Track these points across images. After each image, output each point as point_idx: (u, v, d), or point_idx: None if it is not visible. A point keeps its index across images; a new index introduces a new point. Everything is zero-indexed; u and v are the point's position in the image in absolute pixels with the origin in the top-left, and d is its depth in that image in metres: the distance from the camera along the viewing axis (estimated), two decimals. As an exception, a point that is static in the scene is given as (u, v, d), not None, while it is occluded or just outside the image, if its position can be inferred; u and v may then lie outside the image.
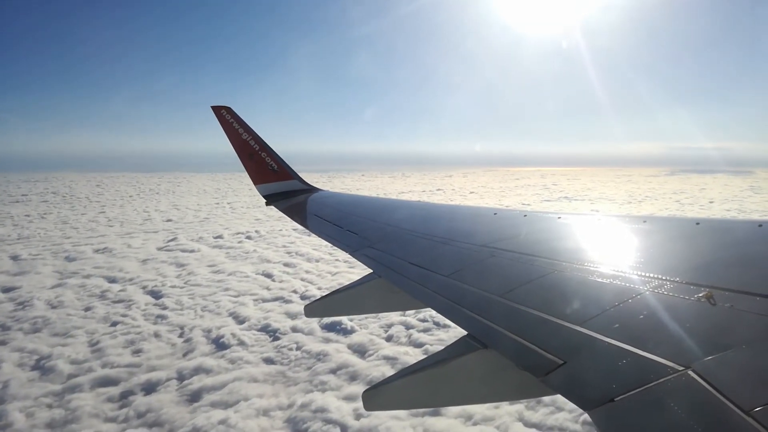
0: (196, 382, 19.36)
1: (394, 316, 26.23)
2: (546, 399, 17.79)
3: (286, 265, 37.13)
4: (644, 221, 4.17)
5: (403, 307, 4.81)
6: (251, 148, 9.82)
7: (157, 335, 24.03)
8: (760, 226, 3.39)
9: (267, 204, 9.84)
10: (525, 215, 5.30)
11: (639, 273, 3.02)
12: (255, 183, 9.97)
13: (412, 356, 21.77)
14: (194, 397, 18.44)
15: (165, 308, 27.81)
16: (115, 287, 31.62)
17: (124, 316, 26.60)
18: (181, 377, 19.85)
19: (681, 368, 1.94)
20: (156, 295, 30.13)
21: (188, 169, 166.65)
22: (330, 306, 5.08)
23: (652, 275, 2.93)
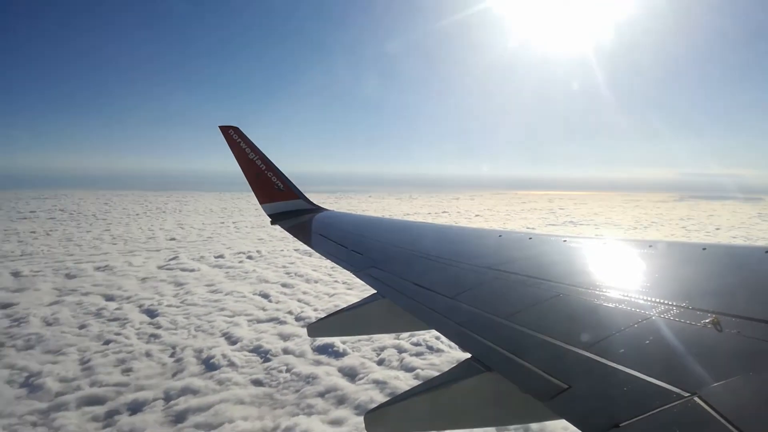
0: (183, 403, 19.24)
1: (388, 339, 26.04)
2: (534, 428, 17.52)
3: (284, 285, 37.04)
4: (650, 246, 4.18)
5: (406, 329, 4.78)
6: (258, 168, 10.02)
7: (148, 354, 23.97)
8: (767, 252, 3.41)
9: (272, 223, 9.98)
10: (530, 238, 5.35)
11: (645, 298, 3.03)
12: (261, 202, 10.13)
13: (402, 381, 21.57)
14: (179, 418, 18.31)
15: (159, 327, 27.79)
16: (112, 305, 31.68)
17: (117, 334, 26.60)
18: (167, 397, 19.75)
19: (687, 394, 1.94)
20: (152, 314, 30.13)
21: (197, 188, 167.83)
22: (333, 326, 5.11)
23: (658, 300, 2.94)
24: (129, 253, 49.66)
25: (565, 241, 4.94)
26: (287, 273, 41.11)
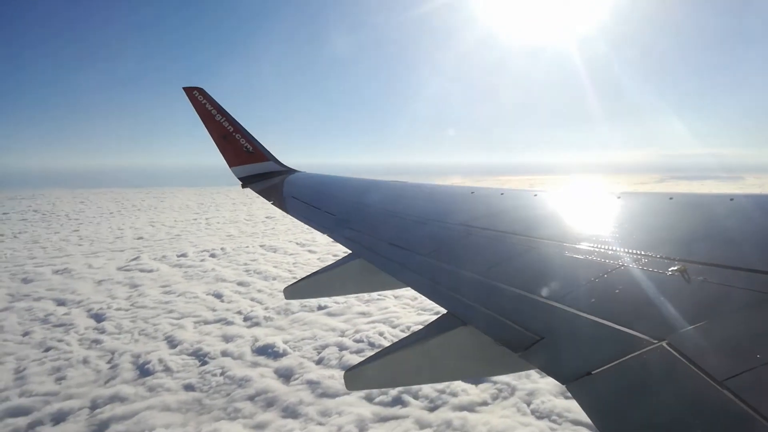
0: (108, 411, 19.15)
1: (331, 337, 26.12)
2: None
3: (240, 284, 36.92)
4: (618, 197, 4.26)
5: (382, 287, 4.88)
6: (225, 130, 9.82)
7: (85, 361, 23.81)
8: (732, 200, 3.49)
9: (243, 186, 9.87)
10: (502, 193, 5.43)
11: (614, 248, 3.08)
12: (230, 165, 10.00)
13: (337, 380, 21.60)
14: (101, 427, 18.23)
15: (103, 332, 27.58)
16: (61, 310, 31.38)
17: (60, 341, 26.39)
18: (94, 406, 19.65)
19: (656, 341, 1.99)
20: (99, 318, 29.87)
21: (179, 183, 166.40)
22: (309, 288, 5.18)
23: (626, 250, 2.98)
24: (92, 255, 49.18)
25: (536, 195, 4.99)
26: (246, 271, 40.93)
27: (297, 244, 51.92)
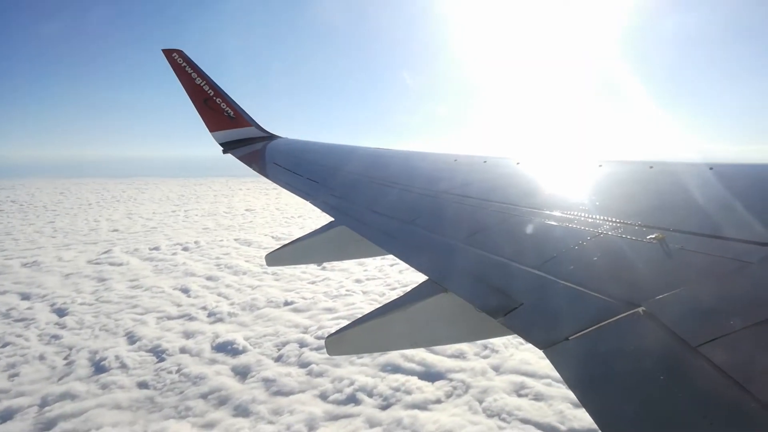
0: (57, 409, 19.02)
1: (293, 334, 26.10)
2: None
3: (208, 278, 36.76)
4: (600, 165, 4.29)
5: (364, 254, 4.78)
6: (205, 94, 9.61)
7: (42, 357, 23.59)
8: (711, 169, 3.52)
9: (224, 152, 9.70)
10: (485, 161, 5.42)
11: (594, 216, 3.10)
12: (210, 130, 9.80)
13: (294, 377, 21.64)
14: (48, 425, 18.12)
15: (63, 327, 27.36)
16: (24, 305, 31.05)
17: (18, 336, 26.12)
18: (43, 404, 19.51)
19: (632, 307, 2.01)
20: (61, 313, 29.59)
21: (163, 174, 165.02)
22: (290, 254, 5.14)
23: (606, 218, 3.00)
24: (64, 247, 48.61)
25: (518, 163, 5.01)
26: (217, 265, 40.73)
27: (272, 238, 51.77)
